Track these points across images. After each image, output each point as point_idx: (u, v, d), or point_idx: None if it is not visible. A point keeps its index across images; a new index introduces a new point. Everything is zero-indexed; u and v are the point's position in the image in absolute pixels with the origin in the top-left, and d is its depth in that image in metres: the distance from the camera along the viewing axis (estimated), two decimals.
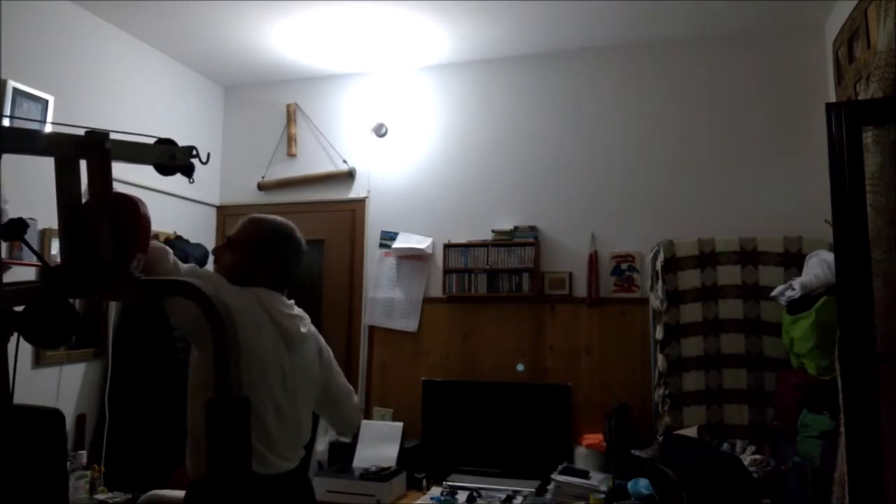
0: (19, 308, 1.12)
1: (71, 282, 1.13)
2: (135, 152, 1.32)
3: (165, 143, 1.42)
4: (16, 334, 1.12)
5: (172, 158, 1.38)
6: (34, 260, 2.94)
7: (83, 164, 1.18)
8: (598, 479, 3.16)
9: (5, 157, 1.15)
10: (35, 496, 1.11)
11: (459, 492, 3.22)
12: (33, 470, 1.11)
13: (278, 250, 1.85)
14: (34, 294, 1.12)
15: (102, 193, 1.14)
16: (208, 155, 1.45)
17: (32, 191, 2.43)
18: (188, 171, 1.43)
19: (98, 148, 1.14)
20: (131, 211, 1.25)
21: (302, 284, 4.30)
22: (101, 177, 1.14)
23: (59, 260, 1.18)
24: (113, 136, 1.21)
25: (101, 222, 1.13)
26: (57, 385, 3.17)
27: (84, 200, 1.19)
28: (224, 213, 4.42)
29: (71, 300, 1.13)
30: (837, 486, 2.07)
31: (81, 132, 1.20)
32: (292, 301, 1.90)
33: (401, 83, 4.17)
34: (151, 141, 1.44)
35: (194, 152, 1.42)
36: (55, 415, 1.17)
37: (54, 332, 1.09)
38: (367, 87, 4.24)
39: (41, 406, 1.17)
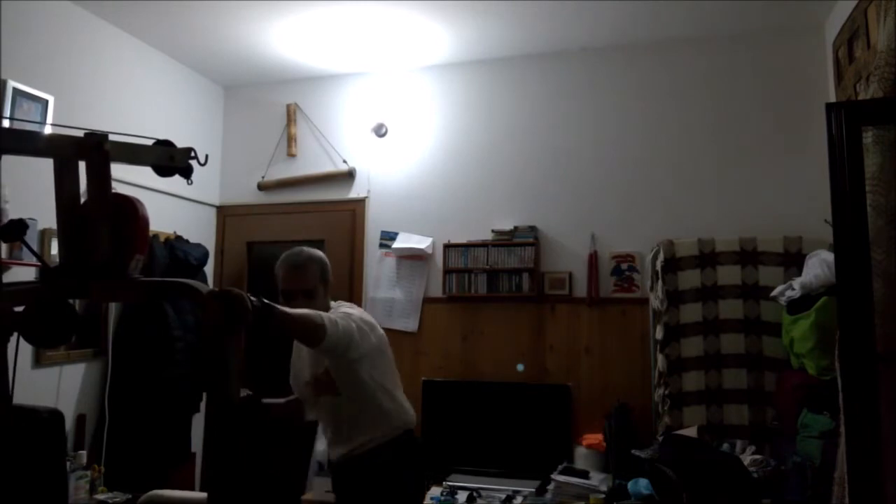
0: (19, 308, 1.12)
1: (70, 282, 1.13)
2: (133, 153, 1.32)
3: (164, 145, 1.42)
4: (15, 334, 1.12)
5: (171, 160, 1.38)
6: (33, 260, 2.94)
7: (82, 164, 1.18)
8: (598, 479, 3.16)
9: (5, 157, 1.15)
10: (35, 496, 1.11)
11: (459, 492, 3.22)
12: (33, 470, 1.11)
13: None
14: (34, 294, 1.12)
15: (101, 194, 1.15)
16: (206, 156, 1.45)
17: (32, 191, 2.44)
18: (186, 173, 1.43)
19: (97, 149, 1.14)
20: (130, 212, 1.25)
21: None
22: (100, 178, 1.15)
23: (58, 260, 1.18)
24: (112, 137, 1.21)
25: (101, 223, 1.13)
26: (57, 385, 3.17)
27: (83, 201, 1.19)
28: (224, 213, 4.42)
29: (70, 300, 1.13)
30: (837, 486, 2.07)
31: (81, 133, 1.20)
32: None
33: (401, 83, 4.17)
34: (150, 142, 1.44)
35: (192, 154, 1.42)
36: (55, 415, 1.17)
37: (54, 332, 1.09)
38: (367, 87, 4.24)
39: (41, 406, 1.18)
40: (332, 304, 2.40)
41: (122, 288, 1.18)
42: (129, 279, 1.17)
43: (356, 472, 2.25)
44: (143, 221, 1.23)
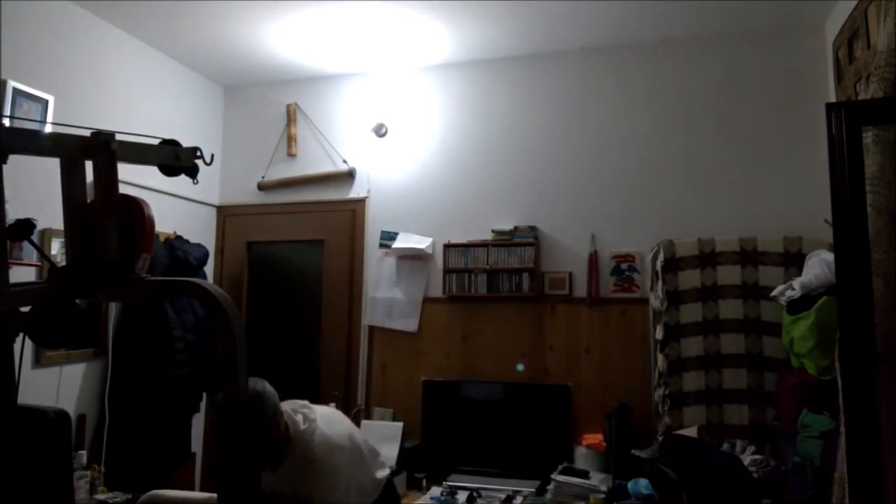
0: (25, 308, 1.12)
1: (78, 282, 1.13)
2: (140, 153, 1.32)
3: (170, 144, 1.42)
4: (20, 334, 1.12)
5: (177, 159, 1.38)
6: (33, 260, 2.93)
7: (88, 164, 1.18)
8: (598, 479, 3.17)
9: None
10: (41, 496, 1.12)
11: (459, 492, 3.22)
12: (40, 470, 1.11)
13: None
14: (41, 294, 1.12)
15: (109, 194, 1.15)
16: (212, 156, 1.45)
17: (31, 191, 2.44)
18: (192, 173, 1.43)
19: (104, 149, 1.14)
20: (136, 211, 1.25)
21: (302, 285, 4.31)
22: (108, 177, 1.15)
23: (59, 260, 1.18)
24: (117, 136, 1.21)
25: (108, 222, 1.14)
26: (57, 385, 3.17)
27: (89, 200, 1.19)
28: (224, 213, 4.42)
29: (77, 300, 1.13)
30: (837, 486, 2.08)
31: (81, 132, 1.20)
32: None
33: (401, 83, 4.18)
34: (156, 142, 1.44)
35: (198, 153, 1.42)
36: (61, 415, 1.18)
37: (61, 333, 1.09)
38: (367, 87, 4.24)
39: (48, 406, 1.18)
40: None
41: (131, 287, 1.19)
42: (138, 278, 1.17)
43: None
44: (149, 221, 1.23)
